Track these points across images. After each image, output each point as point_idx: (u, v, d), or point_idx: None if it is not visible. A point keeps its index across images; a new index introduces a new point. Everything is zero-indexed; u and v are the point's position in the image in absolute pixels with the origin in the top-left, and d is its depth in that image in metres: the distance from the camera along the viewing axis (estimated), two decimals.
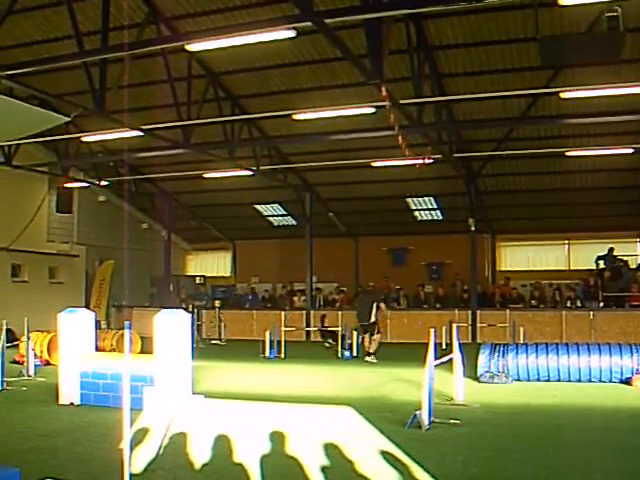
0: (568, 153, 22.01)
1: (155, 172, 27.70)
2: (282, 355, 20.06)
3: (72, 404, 12.00)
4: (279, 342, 20.47)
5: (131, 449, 6.21)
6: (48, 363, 17.29)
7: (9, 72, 15.80)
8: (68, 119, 6.84)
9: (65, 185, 28.09)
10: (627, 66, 16.70)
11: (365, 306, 19.48)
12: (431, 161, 21.33)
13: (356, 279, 31.90)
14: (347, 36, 15.07)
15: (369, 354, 18.91)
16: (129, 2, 16.89)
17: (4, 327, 14.66)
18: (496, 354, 14.92)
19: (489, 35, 17.32)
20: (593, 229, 28.43)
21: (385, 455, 8.35)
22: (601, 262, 26.43)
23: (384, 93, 14.99)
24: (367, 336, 19.29)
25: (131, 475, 6.08)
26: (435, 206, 29.83)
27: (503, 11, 16.01)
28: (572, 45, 12.41)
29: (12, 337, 17.31)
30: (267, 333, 20.29)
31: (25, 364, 15.48)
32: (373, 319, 19.26)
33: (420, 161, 20.99)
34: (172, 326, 11.49)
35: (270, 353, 20.01)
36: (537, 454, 8.51)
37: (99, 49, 15.51)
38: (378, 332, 19.54)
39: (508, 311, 24.70)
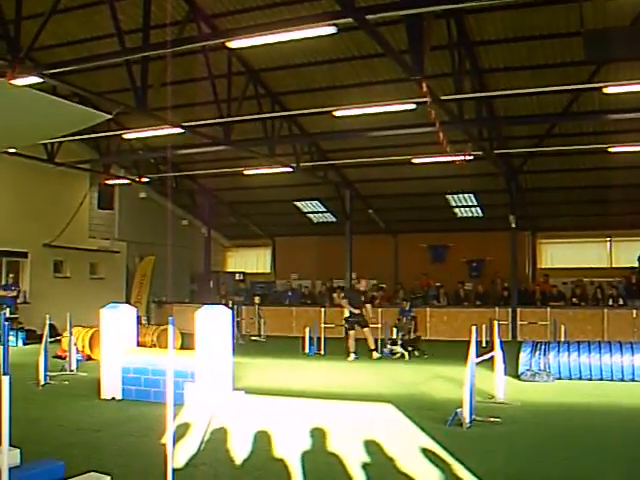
0: (610, 149, 21.72)
1: (195, 169, 27.87)
2: (322, 352, 20.06)
3: (114, 399, 12.09)
4: (319, 339, 20.48)
5: (173, 444, 6.24)
6: (90, 358, 17.46)
7: (52, 71, 16.00)
8: (110, 117, 6.86)
9: (106, 182, 28.41)
10: None
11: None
12: (471, 157, 21.22)
13: (395, 276, 31.84)
14: (388, 32, 15.02)
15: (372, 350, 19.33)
16: (170, 0, 16.99)
17: (47, 322, 14.85)
18: (537, 352, 14.79)
19: (530, 30, 17.15)
20: (635, 226, 28.01)
21: (426, 452, 8.31)
22: None
23: (425, 89, 14.93)
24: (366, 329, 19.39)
25: (174, 470, 6.11)
26: (475, 203, 29.64)
27: (546, 5, 15.87)
28: (617, 39, 12.27)
29: (54, 332, 17.51)
30: (307, 330, 20.30)
31: (67, 359, 15.64)
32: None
33: (460, 157, 20.90)
34: (213, 322, 11.54)
35: (310, 350, 20.02)
36: (579, 454, 8.42)
37: (140, 47, 15.68)
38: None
39: (549, 309, 24.52)
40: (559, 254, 31.22)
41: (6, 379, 4.70)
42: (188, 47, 15.97)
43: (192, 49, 17.08)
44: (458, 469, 7.60)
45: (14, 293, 23.75)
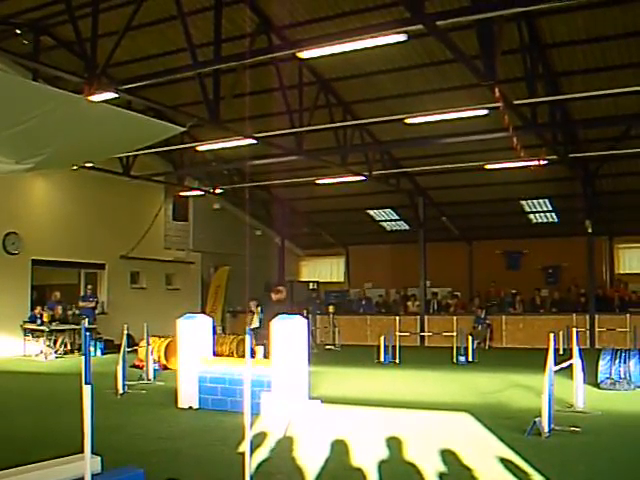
0: None
1: (268, 179, 28.04)
2: (397, 360, 19.98)
3: (191, 408, 12.21)
4: (394, 347, 20.41)
5: (250, 453, 6.27)
6: (166, 367, 17.69)
7: (127, 86, 16.34)
8: (184, 129, 6.96)
9: (181, 194, 28.84)
10: None
11: None
12: (546, 162, 20.94)
13: (470, 283, 31.58)
14: (458, 37, 14.90)
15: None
16: (240, 13, 17.20)
17: (125, 332, 15.10)
18: (617, 360, 14.48)
19: (604, 30, 16.83)
20: None
21: (504, 462, 8.20)
22: None
23: (497, 94, 14.79)
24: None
25: (251, 478, 6.14)
26: (550, 208, 29.17)
27: (620, 4, 15.57)
28: None
29: (132, 342, 17.77)
30: (382, 338, 20.25)
31: (145, 368, 15.87)
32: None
33: (535, 162, 20.64)
34: (288, 331, 11.57)
35: (385, 358, 19.96)
36: None
37: (212, 60, 15.89)
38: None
39: (628, 315, 24.03)
40: (637, 259, 30.54)
41: (89, 388, 4.79)
42: (259, 59, 16.10)
43: (263, 60, 17.22)
44: (538, 479, 7.48)
45: (93, 304, 24.25)
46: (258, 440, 9.24)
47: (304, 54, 15.28)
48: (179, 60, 17.38)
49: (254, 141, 20.10)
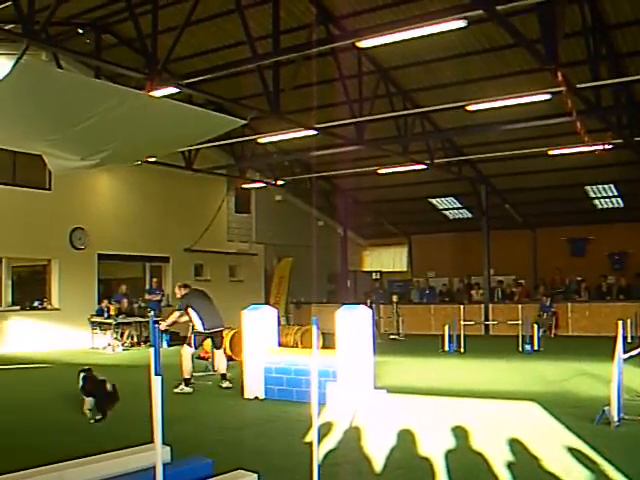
0: None
1: (330, 170, 28.05)
2: (462, 349, 19.87)
3: (257, 398, 12.30)
4: (458, 336, 20.30)
5: (318, 442, 6.29)
6: (231, 358, 17.81)
7: (188, 81, 16.49)
8: (245, 122, 7.00)
9: (243, 186, 29.05)
10: None
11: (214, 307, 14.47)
12: (611, 146, 20.58)
13: (534, 271, 31.25)
14: (518, 22, 14.71)
15: (224, 377, 13.97)
16: (298, 5, 17.24)
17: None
18: None
19: None
20: None
21: (573, 452, 8.10)
22: None
23: (560, 78, 14.57)
24: (218, 351, 14.45)
25: (319, 467, 6.16)
26: (616, 193, 28.66)
27: None
28: None
29: None
30: (446, 327, 20.16)
31: (210, 360, 16.01)
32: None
33: (600, 147, 20.30)
34: (354, 321, 11.59)
35: (449, 347, 19.87)
36: None
37: (271, 52, 15.97)
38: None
39: None
40: None
41: (159, 379, 4.85)
42: (318, 49, 16.09)
43: (322, 51, 17.19)
44: (607, 469, 7.36)
45: (159, 297, 24.57)
46: (324, 430, 9.27)
47: (363, 43, 15.25)
48: (238, 53, 17.50)
49: (315, 132, 20.15)
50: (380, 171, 26.20)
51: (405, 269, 36.60)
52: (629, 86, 19.24)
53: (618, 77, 18.22)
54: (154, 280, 25.37)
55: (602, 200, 29.48)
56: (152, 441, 5.19)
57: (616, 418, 9.42)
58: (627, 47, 18.17)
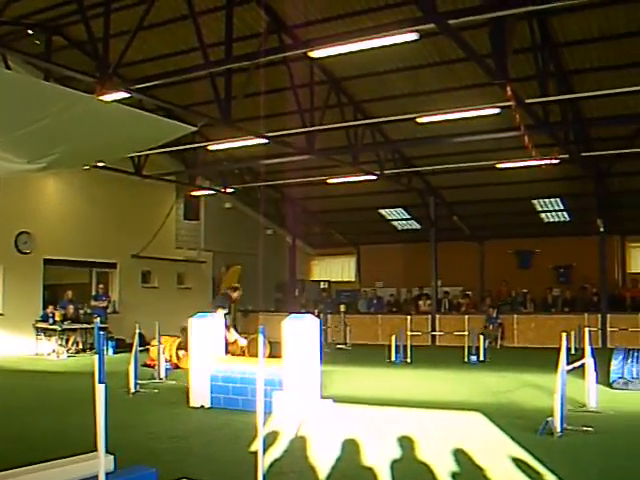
0: None
1: (280, 178, 28.05)
2: (408, 360, 19.98)
3: (202, 407, 12.23)
4: (405, 347, 20.40)
5: (263, 451, 6.28)
6: (177, 367, 17.73)
7: (139, 86, 16.39)
8: (195, 129, 6.96)
9: (192, 193, 28.89)
10: None
11: None
12: (558, 161, 20.89)
13: (481, 283, 31.52)
14: (470, 36, 14.86)
15: None
16: (252, 13, 17.24)
17: (137, 331, 15.14)
18: (630, 359, 14.46)
19: (616, 28, 16.77)
20: None
21: (517, 462, 8.19)
22: None
23: (509, 93, 14.75)
24: None
25: (264, 476, 6.15)
26: (562, 207, 29.10)
27: (632, 2, 15.50)
28: None
29: (143, 341, 17.81)
30: (393, 337, 20.24)
31: (156, 367, 15.91)
32: None
33: (546, 161, 20.59)
34: (301, 330, 11.59)
35: (396, 358, 19.94)
36: None
37: (223, 60, 15.91)
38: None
39: None
40: None
41: (102, 387, 4.81)
42: (270, 58, 16.11)
43: (274, 60, 17.24)
44: (550, 479, 7.46)
45: (105, 303, 24.34)
46: (270, 439, 9.25)
47: (315, 53, 15.28)
48: (191, 60, 17.42)
49: (265, 140, 20.13)
50: (330, 181, 26.26)
51: (353, 279, 36.71)
52: (576, 102, 19.59)
53: (566, 93, 18.54)
54: (100, 286, 25.08)
55: (549, 214, 29.89)
56: (96, 449, 5.14)
57: (559, 429, 9.55)
58: (575, 64, 18.49)
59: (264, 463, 6.69)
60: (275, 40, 17.14)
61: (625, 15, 16.12)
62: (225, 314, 13.91)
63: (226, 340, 13.52)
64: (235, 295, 15.05)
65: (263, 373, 6.63)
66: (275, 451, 8.71)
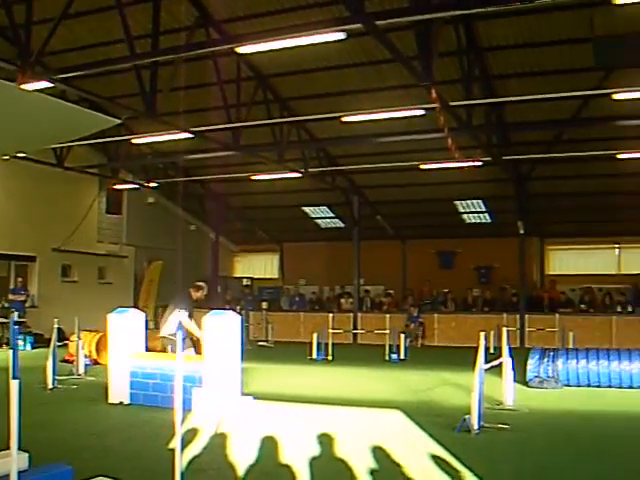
0: (619, 156, 21.67)
1: (204, 174, 27.88)
2: (330, 357, 20.05)
3: (122, 403, 12.11)
4: (326, 344, 20.47)
5: (181, 449, 6.23)
6: (97, 362, 17.50)
7: (62, 75, 16.05)
8: (119, 121, 6.86)
9: (115, 187, 28.48)
10: None
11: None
12: (480, 164, 21.21)
13: (403, 282, 31.80)
14: (397, 38, 14.96)
15: None
16: (179, 6, 17.03)
17: (55, 326, 14.88)
18: (546, 359, 14.80)
19: (540, 36, 17.11)
20: None
21: (434, 459, 8.30)
22: None
23: (434, 95, 14.92)
24: None
25: (182, 474, 6.10)
26: (484, 209, 29.56)
27: (555, 11, 15.79)
28: (627, 46, 12.28)
29: (62, 336, 17.52)
30: (315, 335, 20.29)
31: (75, 363, 15.67)
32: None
33: (469, 164, 20.88)
34: (222, 327, 11.54)
35: (318, 355, 20.00)
36: (589, 462, 8.38)
37: (150, 52, 15.71)
38: None
39: (557, 315, 24.52)
40: (567, 260, 31.10)
41: (16, 383, 4.71)
42: (197, 52, 15.97)
43: (201, 54, 17.07)
44: (466, 476, 7.58)
45: (23, 297, 23.83)
46: (190, 436, 9.20)
47: (242, 49, 15.19)
48: (116, 51, 17.14)
49: (190, 135, 19.94)
50: (254, 177, 26.18)
51: (276, 276, 36.68)
52: (499, 107, 19.91)
53: (489, 98, 18.84)
54: (19, 280, 24.51)
55: (470, 215, 30.32)
56: (8, 447, 5.03)
57: (476, 426, 9.71)
58: (498, 69, 18.79)
59: (183, 460, 6.64)
60: (202, 34, 17.00)
61: (548, 24, 16.45)
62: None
63: (192, 341, 13.04)
64: (198, 295, 13.91)
65: (182, 370, 6.58)
66: (194, 448, 8.67)
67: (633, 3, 12.13)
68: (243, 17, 17.42)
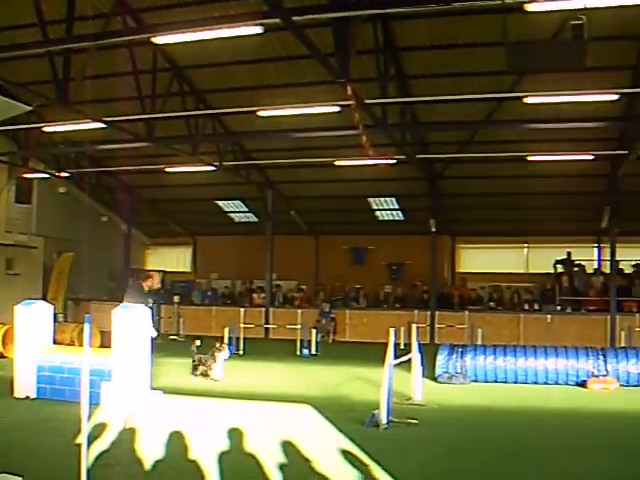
0: (529, 158, 22.21)
1: (117, 165, 27.42)
2: (241, 352, 20.01)
3: (28, 398, 11.86)
4: (238, 339, 20.41)
5: (88, 444, 6.14)
6: (2, 356, 17.10)
7: None
8: (30, 108, 6.76)
9: (25, 175, 27.80)
10: (590, 74, 16.80)
11: None
12: (394, 162, 21.43)
13: (316, 277, 31.89)
14: (314, 34, 14.99)
15: None
16: None
17: None
18: (454, 355, 15.08)
19: (455, 38, 17.37)
20: (552, 233, 28.62)
21: (343, 453, 8.36)
22: (559, 266, 26.81)
23: (349, 92, 15.00)
24: None
25: (88, 470, 6.01)
26: (397, 207, 29.84)
27: (470, 15, 16.04)
28: (537, 51, 12.55)
29: None
30: (226, 329, 20.21)
31: None
32: None
33: (383, 161, 21.06)
34: (131, 321, 11.40)
35: (229, 350, 19.86)
36: (495, 455, 8.58)
37: (63, 39, 15.36)
38: None
39: (467, 312, 24.91)
40: (478, 259, 31.61)
41: None
42: (112, 41, 15.71)
43: (116, 43, 16.81)
44: (375, 469, 7.67)
45: None
46: (97, 431, 9.08)
47: (159, 39, 15.02)
48: (28, 35, 16.68)
49: (103, 125, 19.60)
50: (168, 170, 25.92)
51: (189, 270, 36.40)
52: (414, 106, 20.14)
53: (404, 97, 19.03)
54: None
55: (384, 212, 30.55)
56: None
57: (385, 421, 9.82)
58: (414, 69, 19.00)
59: (90, 456, 6.54)
60: (119, 23, 16.68)
61: (463, 27, 16.71)
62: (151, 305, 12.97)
63: None
64: (149, 284, 13.50)
65: (89, 363, 6.48)
66: (102, 443, 8.55)
67: (543, 11, 12.41)
68: (160, 7, 17.18)
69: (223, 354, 14.92)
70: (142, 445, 8.58)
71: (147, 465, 7.70)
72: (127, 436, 9.07)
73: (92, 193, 29.78)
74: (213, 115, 21.78)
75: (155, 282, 13.71)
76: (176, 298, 27.67)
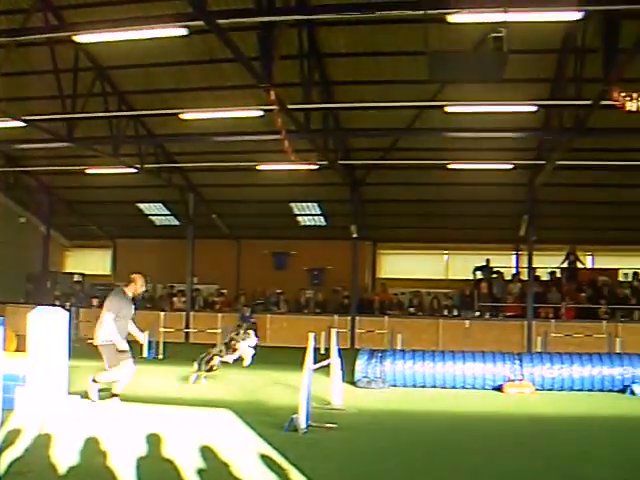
0: (450, 166, 22.54)
1: (35, 165, 26.91)
2: (160, 356, 19.81)
3: None
4: (157, 343, 20.20)
5: (0, 451, 5.99)
6: None
7: None
8: None
9: None
10: (510, 85, 17.19)
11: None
12: (316, 167, 21.51)
13: (237, 282, 31.77)
14: (239, 38, 14.97)
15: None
16: None
17: None
18: (374, 360, 15.18)
19: (379, 46, 17.57)
20: (471, 240, 29.09)
21: (262, 458, 8.33)
22: (478, 273, 27.22)
23: (272, 97, 15.03)
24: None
25: (0, 478, 5.86)
26: (319, 212, 29.96)
27: (394, 24, 16.25)
28: (458, 62, 12.77)
29: None
30: (145, 333, 19.93)
31: None
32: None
33: (305, 167, 21.13)
34: (47, 324, 11.17)
35: (148, 354, 19.69)
36: (412, 459, 8.66)
37: None
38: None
39: (387, 318, 25.13)
40: (398, 265, 31.89)
41: None
42: (32, 38, 15.42)
43: (36, 40, 16.50)
44: (293, 474, 7.66)
45: None
46: (11, 437, 8.84)
47: (80, 38, 14.81)
48: None
49: (21, 123, 19.21)
50: (88, 171, 25.54)
51: (109, 272, 35.88)
52: (337, 112, 20.28)
53: (328, 103, 19.13)
54: None
55: (305, 217, 30.65)
56: None
57: (304, 425, 9.83)
58: (338, 76, 19.16)
59: (1, 463, 6.39)
60: (40, 19, 16.38)
61: (386, 35, 16.90)
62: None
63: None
64: (132, 289, 12.54)
65: (3, 367, 6.33)
66: (15, 450, 8.33)
67: (465, 23, 12.62)
68: (83, 4, 17.00)
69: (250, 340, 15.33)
70: (57, 451, 8.40)
71: (61, 472, 7.54)
72: (42, 442, 8.86)
73: (9, 193, 29.13)
74: (135, 117, 21.59)
75: (139, 286, 12.69)
76: (95, 301, 27.21)
